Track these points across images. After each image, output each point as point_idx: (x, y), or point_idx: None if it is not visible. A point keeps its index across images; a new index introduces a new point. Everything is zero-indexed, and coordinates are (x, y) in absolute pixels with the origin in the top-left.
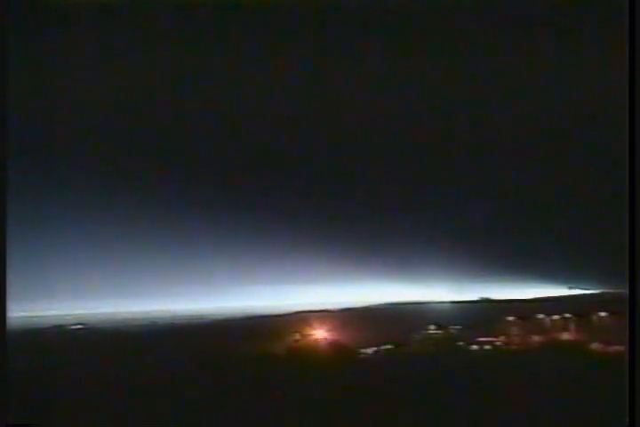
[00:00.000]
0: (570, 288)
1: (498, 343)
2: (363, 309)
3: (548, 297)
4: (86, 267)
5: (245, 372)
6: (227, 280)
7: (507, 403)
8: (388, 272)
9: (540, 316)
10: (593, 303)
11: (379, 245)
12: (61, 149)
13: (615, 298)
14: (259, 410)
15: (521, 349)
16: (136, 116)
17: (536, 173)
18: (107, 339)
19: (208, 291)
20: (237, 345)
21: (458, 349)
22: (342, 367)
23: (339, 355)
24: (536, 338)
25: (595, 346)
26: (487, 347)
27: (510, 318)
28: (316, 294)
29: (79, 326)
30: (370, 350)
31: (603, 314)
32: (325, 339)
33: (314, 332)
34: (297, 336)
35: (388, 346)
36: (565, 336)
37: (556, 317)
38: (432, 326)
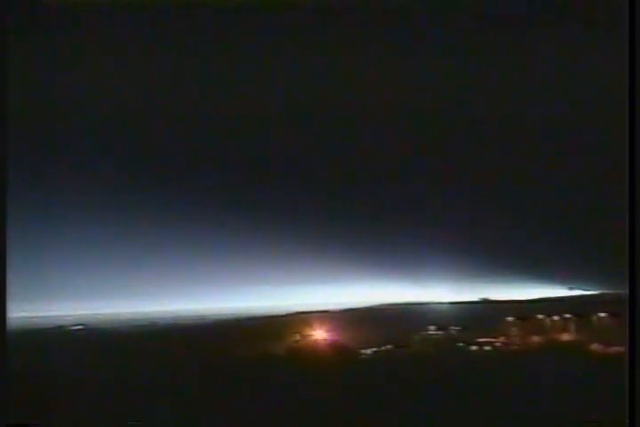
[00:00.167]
0: (570, 289)
1: (498, 344)
2: (363, 309)
3: (548, 297)
4: (87, 267)
5: (245, 372)
6: (227, 280)
7: (507, 403)
8: (388, 272)
9: (540, 316)
10: (593, 304)
11: (379, 245)
12: (62, 148)
13: (615, 299)
14: (259, 410)
15: (521, 349)
16: (138, 116)
17: (536, 172)
18: (107, 339)
19: (208, 291)
20: (238, 345)
21: (458, 349)
22: (342, 368)
23: (339, 355)
24: (536, 338)
25: (595, 347)
26: (487, 347)
27: (510, 319)
28: (316, 294)
29: (79, 327)
30: (370, 351)
31: (603, 315)
32: (325, 339)
33: (314, 332)
34: (297, 337)
35: (389, 346)
36: (565, 337)
37: (556, 317)
38: (432, 327)
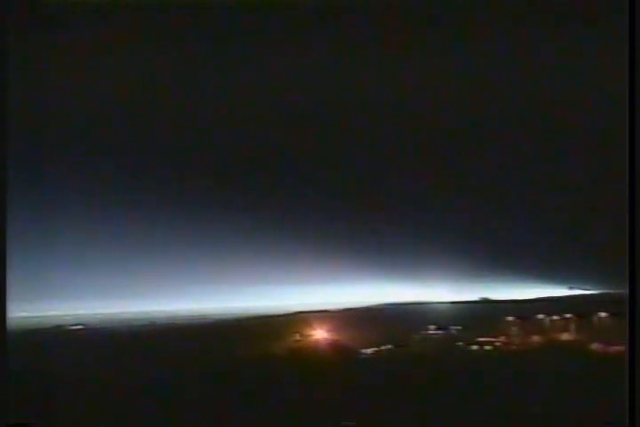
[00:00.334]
0: (570, 288)
1: (498, 344)
2: (363, 309)
3: (548, 297)
4: (87, 267)
5: (245, 372)
6: (227, 280)
7: (507, 403)
8: (388, 272)
9: (541, 316)
10: (593, 304)
11: (379, 245)
12: (62, 148)
13: (615, 298)
14: (258, 410)
15: (521, 349)
16: (138, 116)
17: (536, 172)
18: (107, 339)
19: (208, 291)
20: (238, 345)
21: (458, 349)
22: (342, 368)
23: (339, 355)
24: (536, 338)
25: (595, 346)
26: (487, 347)
27: (510, 319)
28: (316, 294)
29: (79, 327)
30: (370, 351)
31: (603, 314)
32: (325, 339)
33: (314, 332)
34: (297, 337)
35: (389, 346)
36: (565, 336)
37: (556, 317)
38: (432, 327)
